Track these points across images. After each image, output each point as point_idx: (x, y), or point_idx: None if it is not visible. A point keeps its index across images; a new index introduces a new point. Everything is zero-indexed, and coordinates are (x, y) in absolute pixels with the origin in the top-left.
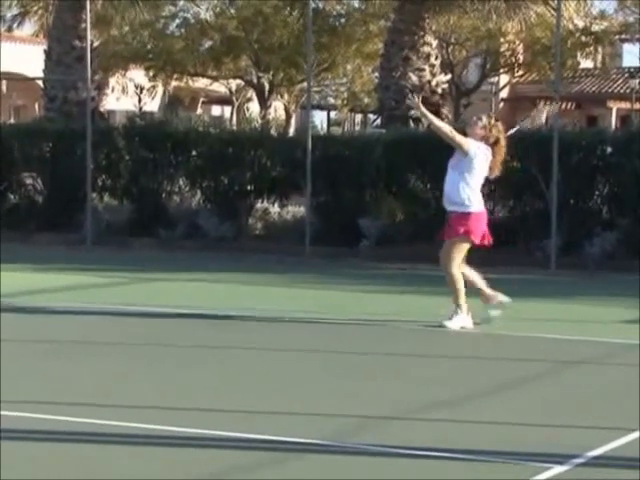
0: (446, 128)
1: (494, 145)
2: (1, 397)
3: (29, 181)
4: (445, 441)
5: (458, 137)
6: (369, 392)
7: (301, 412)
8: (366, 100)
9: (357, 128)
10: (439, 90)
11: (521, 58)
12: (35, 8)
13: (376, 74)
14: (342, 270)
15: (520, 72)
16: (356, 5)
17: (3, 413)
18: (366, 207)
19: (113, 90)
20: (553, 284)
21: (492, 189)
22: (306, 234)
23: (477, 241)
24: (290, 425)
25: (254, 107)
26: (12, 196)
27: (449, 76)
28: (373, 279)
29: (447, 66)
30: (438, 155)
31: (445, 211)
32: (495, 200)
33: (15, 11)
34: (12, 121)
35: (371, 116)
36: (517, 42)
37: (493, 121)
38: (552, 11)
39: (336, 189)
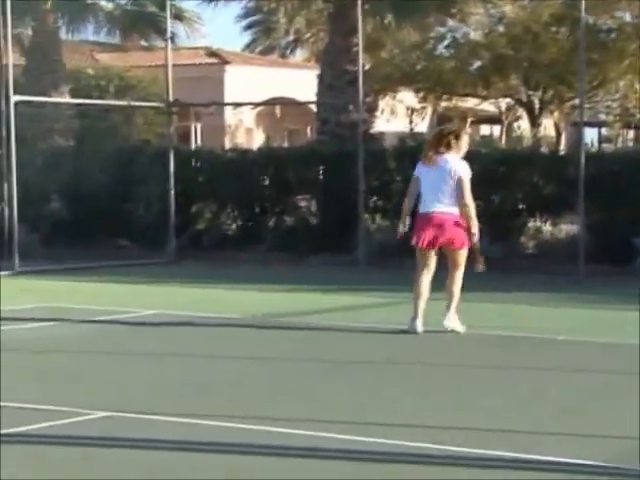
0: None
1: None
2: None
3: (303, 203)
4: None
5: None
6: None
7: (584, 434)
8: (639, 116)
9: (629, 144)
10: None
11: None
12: (307, 35)
13: None
14: (615, 289)
15: None
16: (628, 19)
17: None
18: None
19: (382, 112)
20: None
21: None
22: (579, 253)
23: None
24: (576, 447)
25: (522, 125)
26: (287, 219)
27: None
28: None
29: None
30: None
31: None
32: None
33: (290, 38)
34: (286, 145)
35: None
36: None
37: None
38: None
39: (610, 207)
